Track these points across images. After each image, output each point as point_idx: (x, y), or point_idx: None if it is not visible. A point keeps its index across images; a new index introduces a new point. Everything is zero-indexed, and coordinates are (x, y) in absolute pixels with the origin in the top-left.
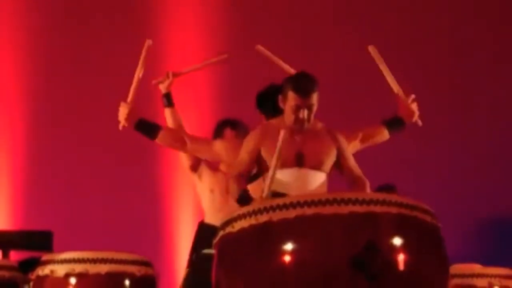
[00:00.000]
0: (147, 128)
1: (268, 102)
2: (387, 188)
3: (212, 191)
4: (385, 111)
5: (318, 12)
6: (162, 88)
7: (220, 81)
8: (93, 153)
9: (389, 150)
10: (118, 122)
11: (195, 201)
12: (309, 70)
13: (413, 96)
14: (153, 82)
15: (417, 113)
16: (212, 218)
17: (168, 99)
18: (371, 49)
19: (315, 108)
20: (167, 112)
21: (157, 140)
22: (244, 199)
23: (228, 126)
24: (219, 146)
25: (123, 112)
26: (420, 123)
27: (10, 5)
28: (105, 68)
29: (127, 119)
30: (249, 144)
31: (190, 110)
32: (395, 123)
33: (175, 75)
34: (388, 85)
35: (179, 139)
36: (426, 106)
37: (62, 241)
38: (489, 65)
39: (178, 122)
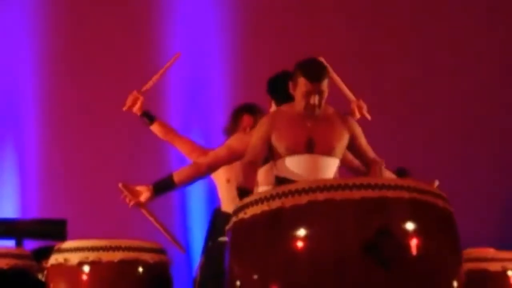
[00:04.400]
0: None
1: (278, 88)
2: (400, 172)
3: (228, 180)
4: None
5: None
6: (136, 110)
7: (232, 66)
8: (106, 140)
9: (404, 132)
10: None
11: (207, 187)
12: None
13: (360, 99)
14: (124, 108)
15: (365, 108)
16: (228, 207)
17: (148, 117)
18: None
19: (325, 94)
20: (154, 128)
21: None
22: (242, 196)
23: (246, 112)
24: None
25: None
26: (369, 116)
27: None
28: (118, 57)
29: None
30: (259, 131)
31: (203, 97)
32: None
33: (141, 92)
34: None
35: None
36: (439, 91)
37: (76, 229)
38: (504, 52)
39: (169, 130)
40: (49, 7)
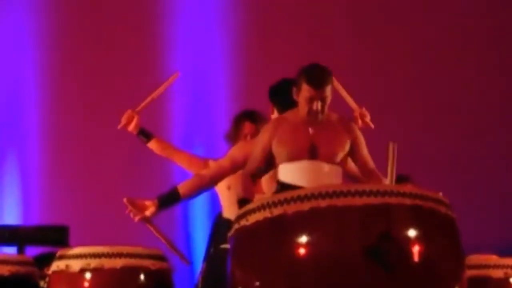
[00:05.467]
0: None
1: (280, 96)
2: (401, 179)
3: (228, 187)
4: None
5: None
6: (132, 129)
7: (235, 74)
8: (109, 147)
9: (406, 139)
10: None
11: (209, 193)
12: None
13: (363, 108)
14: (119, 127)
15: (368, 116)
16: (229, 214)
17: (145, 135)
18: None
19: (328, 100)
20: (151, 145)
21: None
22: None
23: (247, 119)
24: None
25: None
26: (372, 125)
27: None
28: (121, 63)
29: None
30: (262, 140)
31: (205, 103)
32: None
33: (136, 112)
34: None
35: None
36: (439, 97)
37: (78, 236)
38: (501, 58)
39: (167, 146)
40: (51, 13)
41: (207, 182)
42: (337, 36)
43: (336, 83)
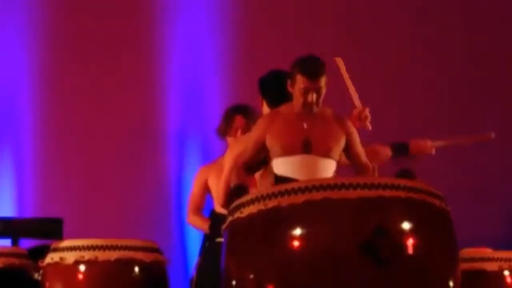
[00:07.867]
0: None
1: (270, 88)
2: (404, 174)
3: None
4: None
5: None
6: None
7: (228, 66)
8: (103, 139)
9: (403, 131)
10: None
11: None
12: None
13: (367, 108)
14: None
15: (369, 118)
16: (219, 207)
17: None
18: (338, 60)
19: (323, 91)
20: None
21: None
22: (238, 193)
23: (239, 113)
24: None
25: None
26: (370, 127)
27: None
28: (114, 60)
29: None
30: (256, 132)
31: (198, 96)
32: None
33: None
34: (350, 96)
35: None
36: (436, 91)
37: (72, 228)
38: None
39: None
40: (44, 10)
41: None
42: (328, 34)
43: (346, 77)
